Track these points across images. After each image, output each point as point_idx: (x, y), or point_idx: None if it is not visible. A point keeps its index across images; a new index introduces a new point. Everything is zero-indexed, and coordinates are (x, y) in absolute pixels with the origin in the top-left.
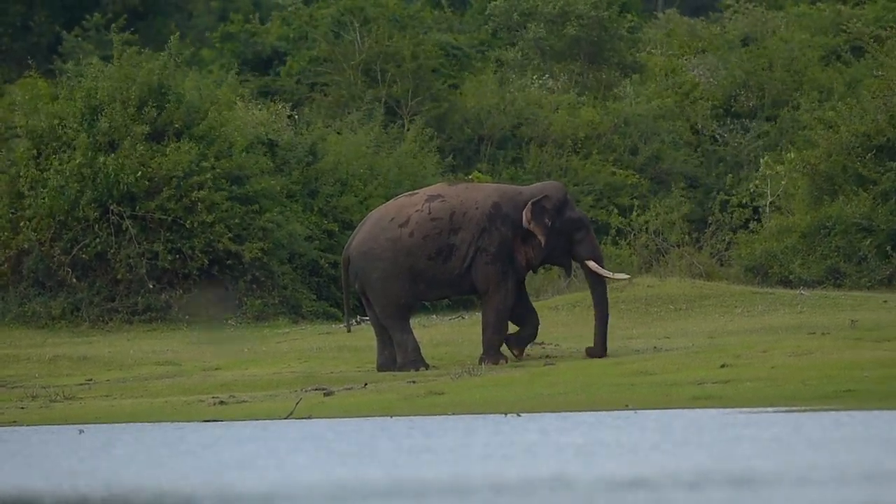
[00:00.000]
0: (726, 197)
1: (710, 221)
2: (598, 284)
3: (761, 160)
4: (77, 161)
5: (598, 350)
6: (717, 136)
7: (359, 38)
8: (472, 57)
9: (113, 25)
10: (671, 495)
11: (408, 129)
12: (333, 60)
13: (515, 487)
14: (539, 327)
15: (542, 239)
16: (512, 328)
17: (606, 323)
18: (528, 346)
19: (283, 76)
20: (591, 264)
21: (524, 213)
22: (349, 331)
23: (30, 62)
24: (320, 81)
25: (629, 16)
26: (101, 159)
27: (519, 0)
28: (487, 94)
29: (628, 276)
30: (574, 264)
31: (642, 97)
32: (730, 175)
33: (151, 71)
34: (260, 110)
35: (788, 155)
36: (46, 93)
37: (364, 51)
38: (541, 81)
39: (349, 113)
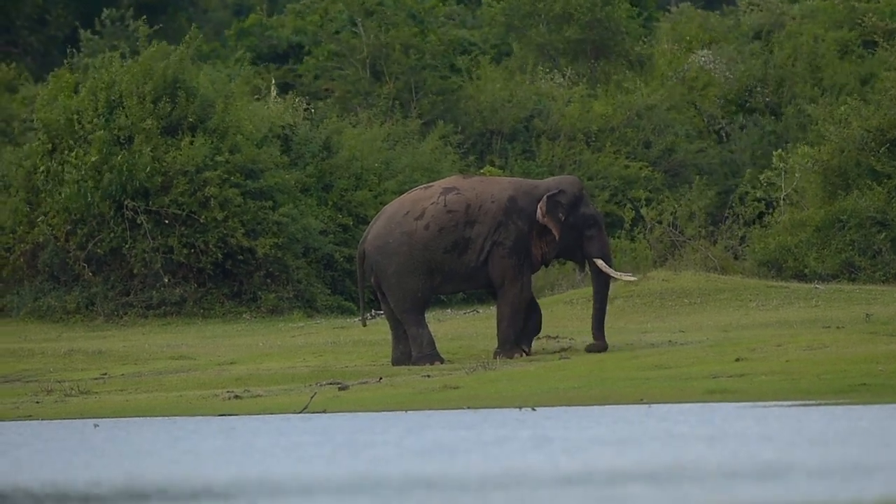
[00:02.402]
0: (748, 189)
1: (727, 215)
2: (602, 283)
3: (774, 153)
4: (94, 157)
5: (600, 345)
6: (722, 134)
7: (363, 32)
8: (487, 52)
9: (142, 19)
10: (687, 488)
11: (422, 123)
12: (341, 55)
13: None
14: (541, 320)
15: (556, 233)
16: None
17: (603, 319)
18: (538, 339)
19: (301, 71)
20: (600, 263)
21: (539, 206)
22: (364, 325)
23: (66, 58)
24: (332, 76)
25: (626, 5)
26: (117, 155)
27: (517, 2)
28: (499, 88)
29: (635, 278)
30: None
31: (650, 88)
32: (749, 170)
33: (167, 65)
34: (276, 103)
35: (800, 149)
36: (71, 84)
37: (368, 46)
38: (549, 76)
39: (359, 108)
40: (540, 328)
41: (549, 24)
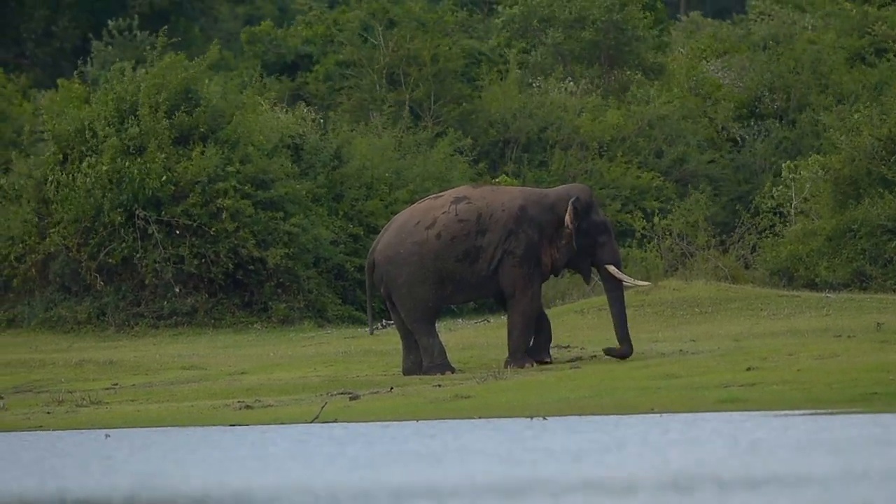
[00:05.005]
0: (763, 199)
1: (738, 225)
2: (616, 289)
3: (783, 165)
4: (105, 166)
5: (627, 349)
6: (739, 139)
7: (383, 41)
8: (496, 61)
9: (163, 30)
10: (701, 497)
11: (434, 134)
12: (358, 64)
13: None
14: (551, 328)
15: (574, 241)
16: None
17: (626, 324)
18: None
19: (311, 81)
20: (612, 269)
21: (567, 213)
22: (371, 333)
23: (76, 68)
24: (345, 85)
25: (646, 14)
26: (128, 164)
27: (536, 5)
28: (512, 98)
29: (649, 284)
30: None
31: (663, 98)
32: (769, 183)
33: (184, 77)
34: (286, 114)
35: (811, 158)
36: (80, 95)
37: (388, 54)
38: (562, 85)
39: (373, 117)
40: (552, 337)
41: (564, 28)
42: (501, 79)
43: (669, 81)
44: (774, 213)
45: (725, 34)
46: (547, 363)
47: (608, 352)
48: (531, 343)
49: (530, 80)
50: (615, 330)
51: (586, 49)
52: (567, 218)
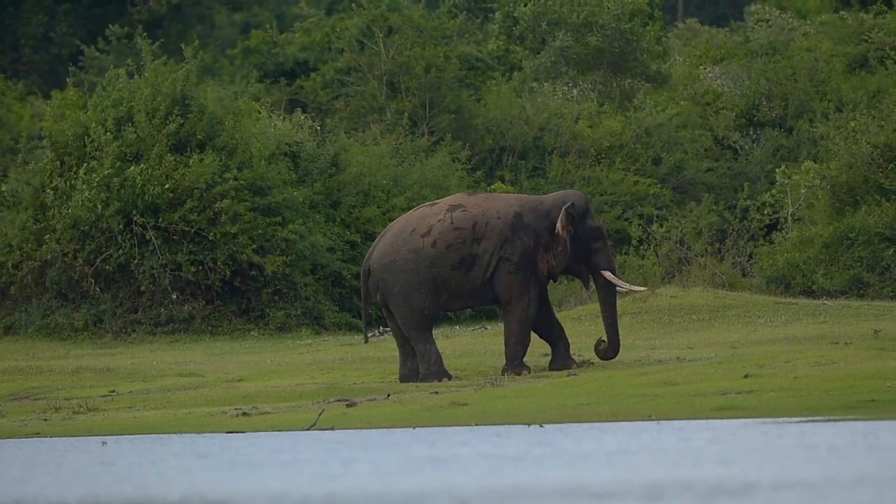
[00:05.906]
0: (746, 202)
1: (729, 231)
2: (610, 295)
3: (777, 170)
4: (105, 171)
5: (613, 351)
6: (738, 147)
7: (383, 48)
8: (495, 68)
9: (143, 35)
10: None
11: (429, 142)
12: (359, 70)
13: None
14: (566, 334)
15: (568, 247)
16: (538, 341)
17: (617, 330)
18: (545, 356)
19: (307, 87)
20: (608, 274)
21: (559, 219)
22: (366, 341)
23: (69, 75)
24: (344, 92)
25: (651, 26)
26: (127, 170)
27: (546, 8)
28: (511, 102)
29: (645, 288)
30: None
31: (661, 106)
32: (747, 183)
33: (174, 81)
34: (283, 121)
35: (806, 165)
36: (77, 102)
37: (387, 62)
38: (564, 90)
39: (372, 124)
40: (569, 343)
41: (572, 32)
42: (504, 79)
43: (674, 91)
44: (764, 214)
45: (723, 41)
46: (578, 366)
47: (597, 352)
48: (557, 354)
49: (533, 84)
50: (606, 333)
51: (591, 55)
52: (559, 225)
